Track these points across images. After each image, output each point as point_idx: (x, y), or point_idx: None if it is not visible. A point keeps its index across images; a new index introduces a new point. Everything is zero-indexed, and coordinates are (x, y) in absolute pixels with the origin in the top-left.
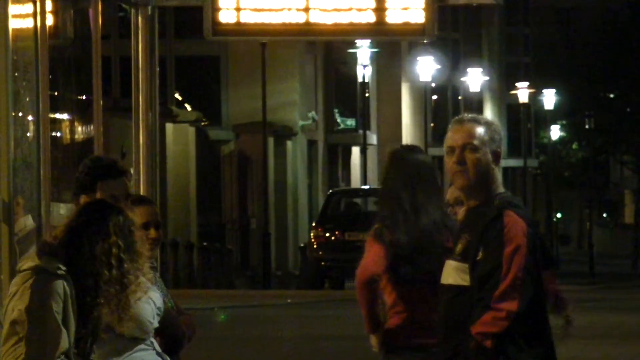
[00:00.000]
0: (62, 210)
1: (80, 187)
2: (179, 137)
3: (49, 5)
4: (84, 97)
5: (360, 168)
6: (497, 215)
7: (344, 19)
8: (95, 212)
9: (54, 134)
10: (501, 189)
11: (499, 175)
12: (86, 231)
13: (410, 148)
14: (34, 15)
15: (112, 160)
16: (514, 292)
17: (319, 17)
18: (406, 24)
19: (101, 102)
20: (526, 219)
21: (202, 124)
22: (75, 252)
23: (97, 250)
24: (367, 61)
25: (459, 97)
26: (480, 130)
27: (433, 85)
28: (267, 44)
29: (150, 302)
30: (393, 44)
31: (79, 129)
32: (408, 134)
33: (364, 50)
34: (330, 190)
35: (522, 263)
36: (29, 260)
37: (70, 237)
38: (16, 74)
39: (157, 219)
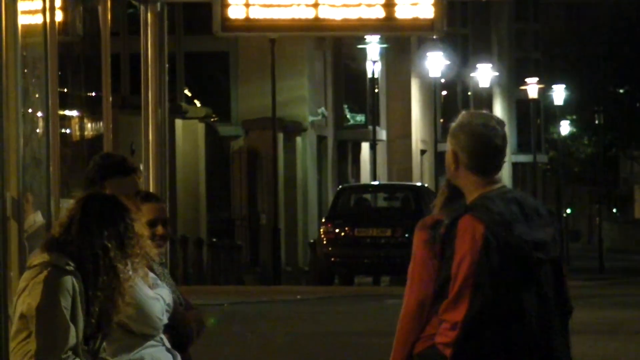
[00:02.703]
0: None
1: (89, 183)
2: (189, 134)
3: (58, 2)
4: (93, 93)
5: (370, 164)
6: (451, 224)
7: (353, 14)
8: (100, 207)
9: (63, 130)
10: (474, 194)
11: (465, 175)
12: (91, 226)
13: None
14: (44, 11)
15: (121, 157)
16: (460, 302)
17: (328, 13)
18: (415, 19)
19: (110, 99)
20: (487, 221)
21: (212, 120)
22: (81, 247)
23: (96, 244)
24: (376, 57)
25: (469, 93)
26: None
27: (442, 80)
28: (276, 40)
29: (159, 298)
30: (402, 40)
31: (89, 125)
32: (418, 130)
33: (373, 46)
34: (340, 186)
35: (468, 271)
36: (39, 256)
37: (78, 232)
38: (25, 71)
39: (164, 215)
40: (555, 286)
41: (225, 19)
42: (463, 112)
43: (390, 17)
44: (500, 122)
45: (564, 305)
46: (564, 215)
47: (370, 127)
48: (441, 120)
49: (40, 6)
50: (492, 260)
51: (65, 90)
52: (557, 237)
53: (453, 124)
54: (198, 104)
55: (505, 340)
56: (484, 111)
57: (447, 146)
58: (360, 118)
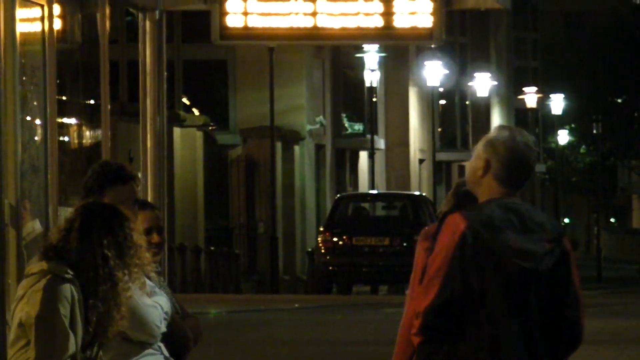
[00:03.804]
0: None
1: (88, 191)
2: (187, 142)
3: (56, 10)
4: (91, 101)
5: (368, 173)
6: (440, 222)
7: (351, 23)
8: (99, 215)
9: (61, 138)
10: (485, 197)
11: (489, 183)
12: (91, 234)
13: None
14: (42, 19)
15: (120, 165)
16: (425, 293)
17: (326, 22)
18: (414, 28)
19: (109, 107)
20: (472, 220)
21: (210, 128)
22: (80, 255)
23: (96, 253)
24: (374, 66)
25: (467, 102)
26: (483, 139)
27: (441, 89)
28: (274, 49)
29: (157, 306)
30: (401, 49)
31: (87, 133)
32: (416, 139)
33: (371, 55)
34: (338, 195)
35: (438, 264)
36: (37, 264)
37: (77, 241)
38: (24, 78)
39: (159, 223)
40: (554, 304)
41: (223, 27)
42: (502, 126)
43: (389, 26)
44: (535, 144)
45: (559, 327)
46: (562, 224)
47: (368, 136)
48: (439, 129)
49: (39, 14)
50: (466, 257)
51: (64, 97)
52: (556, 253)
53: (491, 135)
54: (196, 112)
55: (461, 345)
56: (523, 129)
57: (478, 153)
58: (358, 127)
